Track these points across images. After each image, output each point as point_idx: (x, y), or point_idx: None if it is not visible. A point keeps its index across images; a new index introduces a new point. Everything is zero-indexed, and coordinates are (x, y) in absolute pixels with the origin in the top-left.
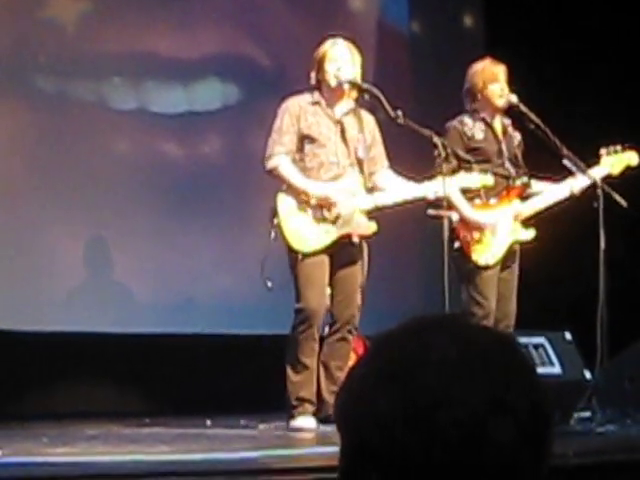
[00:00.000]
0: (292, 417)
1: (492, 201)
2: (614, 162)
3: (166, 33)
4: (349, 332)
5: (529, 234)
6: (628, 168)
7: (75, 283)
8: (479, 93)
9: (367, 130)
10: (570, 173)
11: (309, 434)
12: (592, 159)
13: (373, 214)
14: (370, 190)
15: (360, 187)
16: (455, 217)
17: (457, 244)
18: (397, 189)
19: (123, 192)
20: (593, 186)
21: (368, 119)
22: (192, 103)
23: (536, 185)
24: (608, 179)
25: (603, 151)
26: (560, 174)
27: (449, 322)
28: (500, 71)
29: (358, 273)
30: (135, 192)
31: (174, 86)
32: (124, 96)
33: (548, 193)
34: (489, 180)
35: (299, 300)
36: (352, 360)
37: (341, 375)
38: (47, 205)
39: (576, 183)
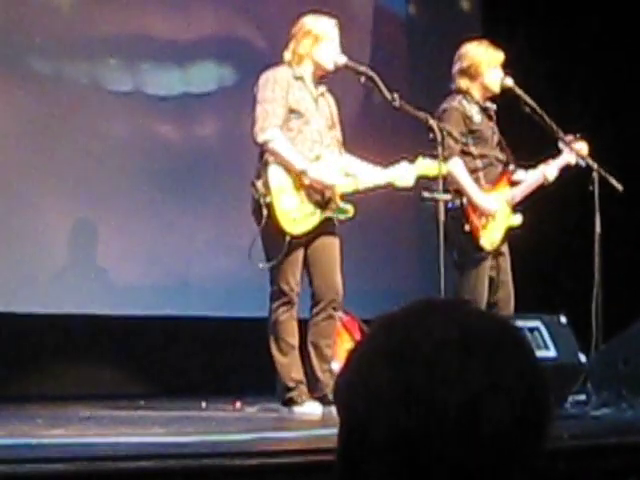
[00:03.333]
0: (294, 402)
1: (487, 186)
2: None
3: (162, 14)
4: (334, 309)
5: (518, 219)
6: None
7: (70, 265)
8: (479, 76)
9: (334, 112)
10: (546, 158)
11: (310, 417)
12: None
13: (349, 197)
14: (347, 173)
15: (339, 168)
16: (457, 200)
17: (467, 227)
18: (367, 174)
19: (118, 174)
20: (589, 170)
21: (333, 100)
22: (188, 85)
23: (517, 173)
24: (569, 169)
25: (560, 143)
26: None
27: (452, 306)
28: (500, 56)
29: (336, 251)
30: (131, 174)
31: (170, 68)
32: (120, 78)
33: (531, 179)
34: (443, 169)
35: (280, 282)
36: (346, 341)
37: (330, 353)
38: (42, 187)
39: (549, 170)
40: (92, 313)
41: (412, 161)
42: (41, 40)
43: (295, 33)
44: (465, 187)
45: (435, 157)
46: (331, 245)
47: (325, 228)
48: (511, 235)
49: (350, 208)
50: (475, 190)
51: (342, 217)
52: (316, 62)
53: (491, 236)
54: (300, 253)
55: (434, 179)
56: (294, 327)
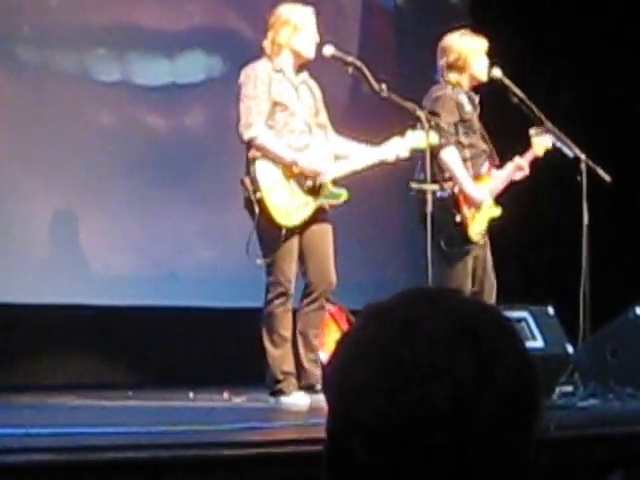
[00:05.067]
0: (282, 393)
1: (474, 177)
2: (540, 143)
3: (151, 4)
4: (327, 299)
5: (498, 211)
6: (547, 151)
7: (57, 255)
8: (468, 67)
9: (317, 97)
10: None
11: (297, 407)
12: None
13: (342, 182)
14: (337, 157)
15: (328, 154)
16: (448, 190)
17: (458, 218)
18: (359, 154)
19: (106, 164)
20: (576, 160)
21: (316, 86)
22: (176, 75)
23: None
24: (539, 160)
25: (532, 132)
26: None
27: (440, 295)
28: (485, 43)
29: (330, 238)
30: (118, 164)
31: (158, 58)
32: (108, 68)
33: (506, 173)
34: (434, 139)
35: (276, 272)
36: (334, 332)
37: (317, 342)
38: (28, 177)
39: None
40: (80, 303)
41: (401, 134)
42: (29, 29)
43: (273, 23)
44: (459, 177)
45: (423, 129)
46: (325, 233)
47: (318, 215)
48: (493, 226)
49: (343, 192)
50: (468, 180)
51: (336, 202)
52: (296, 52)
53: (477, 227)
54: (295, 243)
55: (428, 150)
56: (289, 320)
